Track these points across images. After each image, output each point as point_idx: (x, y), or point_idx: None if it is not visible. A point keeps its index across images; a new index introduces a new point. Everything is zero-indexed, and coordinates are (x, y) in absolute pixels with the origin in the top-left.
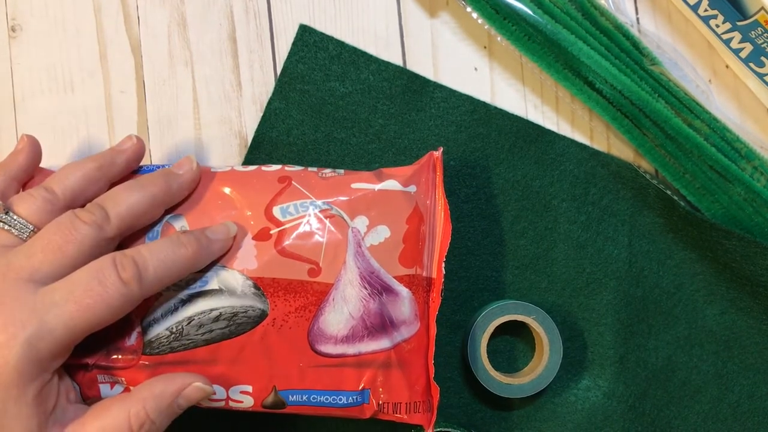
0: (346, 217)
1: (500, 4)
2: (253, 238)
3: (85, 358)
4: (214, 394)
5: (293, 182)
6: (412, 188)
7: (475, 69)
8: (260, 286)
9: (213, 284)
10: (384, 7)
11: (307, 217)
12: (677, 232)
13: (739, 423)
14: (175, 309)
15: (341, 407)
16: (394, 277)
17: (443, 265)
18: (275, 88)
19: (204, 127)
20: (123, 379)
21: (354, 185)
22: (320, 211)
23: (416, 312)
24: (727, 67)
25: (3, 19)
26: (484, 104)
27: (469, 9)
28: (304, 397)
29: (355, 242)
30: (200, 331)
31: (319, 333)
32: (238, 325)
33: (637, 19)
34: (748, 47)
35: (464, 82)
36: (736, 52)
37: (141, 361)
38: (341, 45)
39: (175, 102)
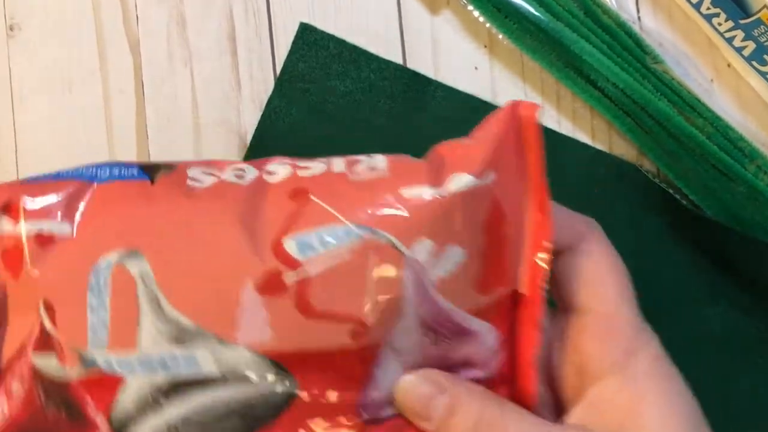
0: (399, 244)
1: (502, 2)
2: (257, 291)
3: None
4: None
5: (312, 197)
6: (490, 177)
7: (476, 68)
8: (281, 362)
9: (208, 367)
10: (384, 5)
11: (340, 252)
12: (679, 231)
13: (741, 423)
14: (156, 403)
15: None
16: (471, 312)
17: (542, 278)
18: (275, 86)
19: (203, 127)
20: None
21: (405, 191)
22: (359, 240)
23: (497, 344)
24: (729, 65)
25: (1, 18)
26: (486, 103)
27: (470, 7)
28: None
29: (415, 281)
30: None
31: (371, 404)
32: (256, 419)
33: (639, 17)
34: (751, 45)
35: (465, 80)
36: (739, 50)
37: None
38: (342, 43)
39: (174, 101)
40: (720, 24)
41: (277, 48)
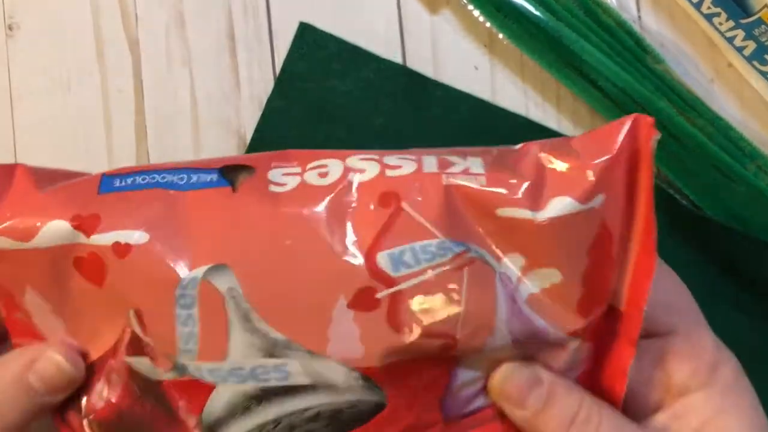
0: (490, 259)
1: (502, 1)
2: (350, 307)
3: None
4: (72, 371)
5: (404, 206)
6: (598, 200)
7: (476, 68)
8: (370, 376)
9: (298, 378)
10: (384, 5)
11: (433, 267)
12: (679, 232)
13: None
14: (247, 408)
15: None
16: (568, 333)
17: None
18: (274, 86)
19: (202, 126)
20: None
21: (501, 212)
22: (453, 255)
23: (585, 357)
24: (729, 65)
25: (0, 18)
26: (485, 103)
27: (470, 7)
28: None
29: (507, 296)
30: None
31: (453, 402)
32: (343, 422)
33: (639, 16)
34: (752, 45)
35: (465, 80)
36: (740, 50)
37: None
38: (341, 43)
39: (173, 101)
40: (720, 23)
41: (276, 47)
